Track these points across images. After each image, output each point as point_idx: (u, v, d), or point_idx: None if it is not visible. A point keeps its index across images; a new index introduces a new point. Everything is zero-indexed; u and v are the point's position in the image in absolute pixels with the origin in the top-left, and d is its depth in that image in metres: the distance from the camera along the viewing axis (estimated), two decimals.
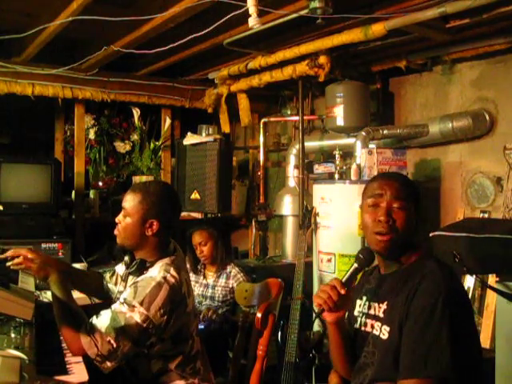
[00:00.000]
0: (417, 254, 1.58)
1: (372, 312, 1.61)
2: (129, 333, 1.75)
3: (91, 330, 1.74)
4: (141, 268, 1.96)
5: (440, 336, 1.38)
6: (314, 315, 1.64)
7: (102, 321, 1.77)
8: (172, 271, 1.90)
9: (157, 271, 1.90)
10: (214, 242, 3.37)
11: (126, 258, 2.03)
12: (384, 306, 1.56)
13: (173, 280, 1.88)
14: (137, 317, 1.76)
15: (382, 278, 1.64)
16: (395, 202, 1.54)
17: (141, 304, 1.78)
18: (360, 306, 1.68)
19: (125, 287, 2.09)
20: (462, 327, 1.42)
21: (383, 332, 1.52)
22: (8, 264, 1.92)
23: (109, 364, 1.75)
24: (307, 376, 2.74)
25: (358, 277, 1.72)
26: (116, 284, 2.21)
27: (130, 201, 1.96)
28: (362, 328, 1.63)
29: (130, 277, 2.04)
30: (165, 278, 1.86)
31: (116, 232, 2.00)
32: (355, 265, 1.62)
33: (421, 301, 1.44)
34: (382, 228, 1.53)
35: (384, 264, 1.64)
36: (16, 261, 1.92)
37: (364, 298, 1.67)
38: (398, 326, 1.47)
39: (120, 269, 2.23)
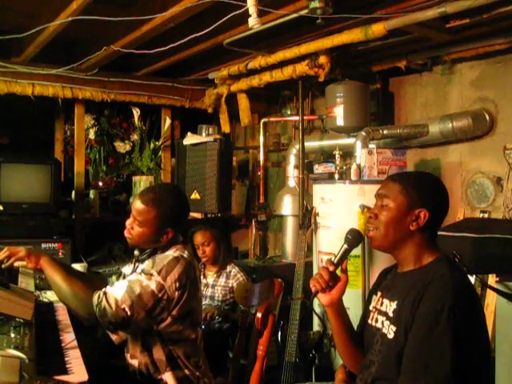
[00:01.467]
0: (433, 255, 1.57)
1: (384, 309, 1.61)
2: (143, 301, 1.81)
3: (105, 298, 1.78)
4: (153, 253, 2.03)
5: (442, 344, 1.38)
6: (311, 296, 1.69)
7: (117, 289, 1.82)
8: (186, 254, 1.99)
9: (172, 251, 1.98)
10: (216, 242, 3.37)
11: (136, 252, 2.09)
12: (394, 306, 1.56)
13: (189, 259, 1.98)
14: (153, 285, 1.83)
15: (397, 276, 1.65)
16: (381, 200, 1.62)
17: (158, 273, 1.86)
18: (375, 301, 1.69)
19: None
20: (467, 335, 1.40)
21: (389, 332, 1.53)
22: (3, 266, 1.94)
23: (121, 334, 1.82)
24: (307, 376, 2.74)
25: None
26: None
27: (143, 213, 1.97)
28: (373, 323, 1.64)
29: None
30: (181, 255, 1.96)
31: (128, 235, 2.03)
32: (345, 246, 1.69)
33: (427, 306, 1.43)
34: (367, 223, 1.65)
35: (398, 262, 1.65)
36: (2, 256, 1.94)
37: (379, 294, 1.68)
38: (403, 327, 1.48)
39: (127, 270, 2.24)
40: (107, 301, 1.78)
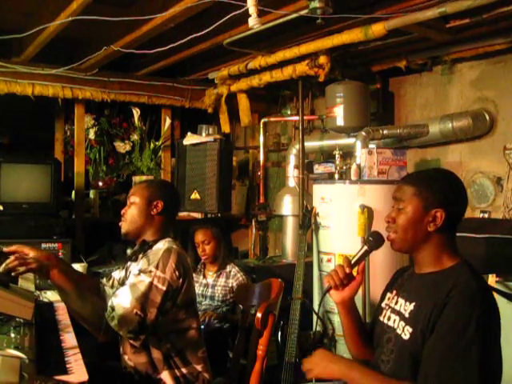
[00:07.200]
0: (454, 260, 1.55)
1: (398, 308, 1.60)
2: (152, 299, 1.84)
3: (115, 311, 1.80)
4: (143, 246, 2.06)
5: (470, 353, 1.35)
6: (323, 292, 1.71)
7: (123, 298, 1.83)
8: (175, 245, 2.03)
9: (162, 244, 2.02)
10: (217, 241, 3.37)
11: (129, 251, 2.12)
12: (411, 307, 1.54)
13: (179, 249, 2.02)
14: (155, 281, 1.86)
15: (415, 276, 1.63)
16: (397, 204, 1.62)
17: (156, 267, 1.89)
18: (389, 299, 1.68)
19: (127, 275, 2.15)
20: (491, 344, 1.39)
21: (405, 332, 1.52)
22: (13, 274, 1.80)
23: (141, 337, 1.85)
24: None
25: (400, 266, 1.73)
26: (112, 287, 2.24)
27: (135, 191, 2.16)
28: (385, 321, 1.63)
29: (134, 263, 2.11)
30: (171, 247, 1.99)
31: (121, 223, 2.12)
32: (365, 247, 1.69)
33: (453, 314, 1.40)
34: (387, 227, 1.63)
35: (416, 263, 1.63)
36: (12, 264, 1.78)
37: (394, 292, 1.67)
38: (420, 330, 1.46)
39: (117, 274, 2.27)
40: (117, 312, 1.79)
